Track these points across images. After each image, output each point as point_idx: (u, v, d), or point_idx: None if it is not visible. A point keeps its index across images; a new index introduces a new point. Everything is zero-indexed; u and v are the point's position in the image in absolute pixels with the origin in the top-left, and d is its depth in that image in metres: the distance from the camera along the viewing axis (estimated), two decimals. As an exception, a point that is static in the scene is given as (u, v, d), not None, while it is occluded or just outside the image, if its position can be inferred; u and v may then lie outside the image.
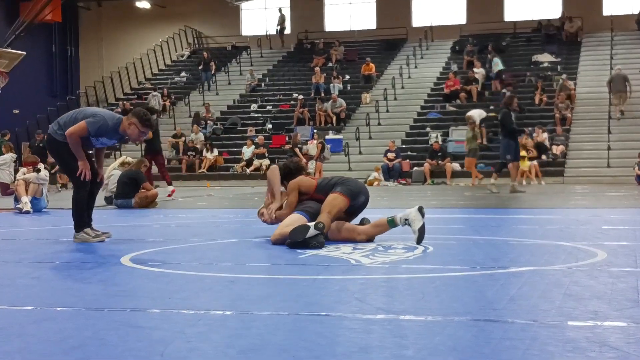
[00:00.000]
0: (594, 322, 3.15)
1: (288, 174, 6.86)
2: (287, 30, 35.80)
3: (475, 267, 4.83)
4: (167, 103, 30.57)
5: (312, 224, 5.95)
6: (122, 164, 13.03)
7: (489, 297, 3.73)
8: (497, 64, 28.08)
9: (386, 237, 6.72)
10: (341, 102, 27.80)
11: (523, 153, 22.27)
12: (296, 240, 5.89)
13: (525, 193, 15.50)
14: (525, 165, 22.43)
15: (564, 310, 3.40)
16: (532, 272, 4.58)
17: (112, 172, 12.72)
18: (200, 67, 32.68)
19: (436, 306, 3.55)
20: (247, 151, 25.67)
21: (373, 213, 6.88)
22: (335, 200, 6.35)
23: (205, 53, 32.70)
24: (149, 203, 12.38)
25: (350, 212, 6.51)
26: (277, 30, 35.49)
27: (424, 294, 3.84)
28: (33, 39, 32.58)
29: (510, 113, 15.34)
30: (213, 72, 32.42)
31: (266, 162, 24.94)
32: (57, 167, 24.70)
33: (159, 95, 30.76)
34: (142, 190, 12.38)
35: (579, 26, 31.37)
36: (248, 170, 25.00)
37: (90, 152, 7.07)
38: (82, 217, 6.77)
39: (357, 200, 6.47)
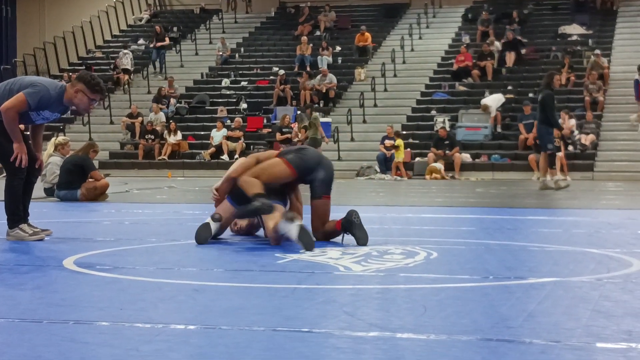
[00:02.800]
0: (627, 343, 3.16)
1: None
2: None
3: (487, 277, 4.85)
4: (122, 77, 30.50)
5: (211, 220, 6.40)
6: (57, 147, 12.91)
7: (503, 313, 3.74)
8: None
9: (382, 240, 6.73)
10: (331, 77, 27.81)
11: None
12: (202, 242, 6.34)
13: (556, 190, 15.55)
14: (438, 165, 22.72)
15: (593, 329, 3.41)
16: (554, 283, 4.60)
17: (49, 159, 12.59)
18: (152, 45, 31.98)
19: (440, 323, 3.55)
20: (217, 135, 25.64)
21: (364, 212, 6.88)
22: (273, 168, 6.47)
23: (157, 27, 32.17)
24: (98, 195, 12.34)
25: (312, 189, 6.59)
26: None
27: (426, 308, 3.85)
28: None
29: (553, 95, 15.39)
30: (164, 44, 31.39)
31: (240, 146, 24.89)
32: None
33: (131, 54, 30.74)
34: (90, 180, 12.35)
35: (615, -7, 31.50)
36: (227, 158, 24.92)
37: (27, 132, 7.02)
38: (16, 211, 6.73)
39: (310, 175, 6.53)
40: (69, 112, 6.81)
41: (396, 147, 23.07)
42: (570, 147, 23.35)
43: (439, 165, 22.85)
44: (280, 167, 6.49)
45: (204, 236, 6.38)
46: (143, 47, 33.36)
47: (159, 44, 31.21)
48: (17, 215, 6.74)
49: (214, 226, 6.42)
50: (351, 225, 6.40)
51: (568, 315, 3.70)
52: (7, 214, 6.76)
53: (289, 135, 24.38)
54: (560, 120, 23.39)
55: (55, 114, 6.80)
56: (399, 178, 22.68)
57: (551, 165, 15.76)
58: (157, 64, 31.36)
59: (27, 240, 6.66)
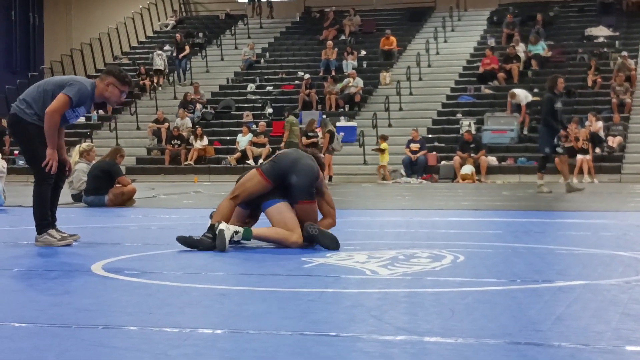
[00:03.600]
0: (657, 347, 3.13)
1: None
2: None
3: (514, 281, 4.82)
4: (147, 82, 30.66)
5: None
6: (82, 153, 12.98)
7: (532, 317, 3.72)
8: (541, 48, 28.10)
9: (409, 243, 6.71)
10: (359, 81, 27.80)
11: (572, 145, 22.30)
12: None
13: (583, 190, 15.47)
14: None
15: (622, 332, 3.39)
16: (583, 287, 4.57)
17: (75, 166, 12.62)
18: (173, 54, 31.88)
19: (468, 326, 3.54)
20: (243, 140, 25.69)
21: (390, 216, 6.87)
22: (249, 182, 6.55)
23: (178, 35, 32.20)
24: (126, 200, 12.39)
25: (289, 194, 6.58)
26: None
27: (454, 312, 3.84)
28: (-11, 4, 32.64)
29: (553, 98, 15.12)
30: (185, 53, 31.30)
31: (266, 151, 24.88)
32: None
33: (164, 54, 30.92)
34: (117, 186, 12.40)
35: (642, -6, 31.29)
36: (253, 163, 24.94)
37: None
38: (45, 216, 6.79)
39: (286, 181, 6.51)
40: (95, 108, 7.12)
41: (381, 151, 23.10)
42: (598, 150, 23.21)
43: (471, 168, 22.79)
44: (255, 179, 6.53)
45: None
46: (169, 53, 33.49)
47: (181, 55, 31.22)
48: (46, 220, 6.79)
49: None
50: (314, 238, 6.39)
51: (597, 319, 3.68)
52: (36, 219, 6.80)
53: (315, 140, 24.26)
54: (587, 123, 23.33)
55: (84, 111, 6.98)
56: (424, 181, 22.64)
57: (540, 169, 15.67)
58: (180, 73, 31.37)
59: (55, 246, 6.69)
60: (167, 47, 33.72)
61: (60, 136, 7.07)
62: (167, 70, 31.26)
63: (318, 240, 6.35)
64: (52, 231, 6.80)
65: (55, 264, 5.81)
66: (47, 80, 6.98)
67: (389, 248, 6.39)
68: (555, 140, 15.03)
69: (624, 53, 27.05)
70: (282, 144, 23.06)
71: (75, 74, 32.31)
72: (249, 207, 6.74)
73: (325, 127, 23.98)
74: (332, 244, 6.33)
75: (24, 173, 25.10)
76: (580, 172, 22.26)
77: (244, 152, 25.36)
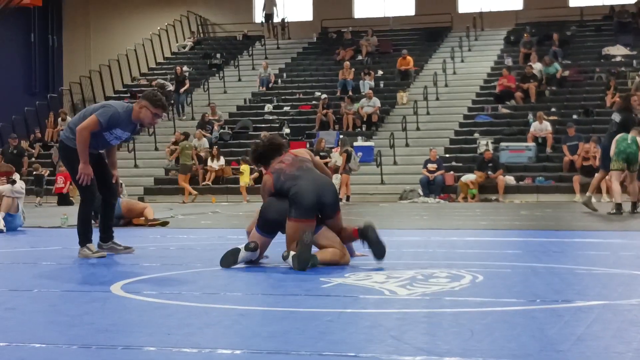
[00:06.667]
0: (679, 367, 3.11)
1: (260, 157, 7.17)
2: (290, 17, 35.99)
3: (534, 301, 4.80)
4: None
5: (242, 246, 6.54)
6: None
7: (552, 337, 3.71)
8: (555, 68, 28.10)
9: (427, 263, 6.70)
10: (375, 101, 27.83)
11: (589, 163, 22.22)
12: (227, 266, 6.50)
13: (597, 211, 15.46)
14: None
15: (643, 353, 3.37)
16: (603, 307, 4.54)
17: None
18: (172, 88, 30.07)
19: (487, 347, 3.52)
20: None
21: (408, 235, 6.87)
22: (295, 234, 6.48)
23: (178, 68, 31.57)
24: (137, 216, 12.57)
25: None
26: (262, 18, 35.63)
27: (473, 332, 3.83)
28: (8, 26, 32.91)
29: (634, 118, 15.66)
30: (186, 87, 30.60)
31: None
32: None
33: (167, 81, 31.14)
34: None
35: (659, 13, 31.23)
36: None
37: (101, 150, 7.66)
38: (85, 232, 7.43)
39: (318, 211, 6.65)
40: (138, 129, 7.50)
41: (241, 172, 23.48)
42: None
43: (471, 177, 22.76)
44: (300, 229, 6.48)
45: (229, 262, 6.53)
46: (187, 74, 33.56)
47: (182, 89, 30.47)
48: (85, 236, 7.43)
49: (243, 254, 6.53)
50: (373, 243, 6.66)
51: (618, 339, 3.65)
52: (78, 234, 7.46)
53: (328, 160, 24.19)
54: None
55: (126, 133, 7.43)
56: (441, 201, 22.59)
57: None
58: (179, 107, 30.52)
59: (90, 257, 7.29)
60: (185, 69, 33.31)
61: (112, 155, 7.71)
62: (172, 89, 31.10)
63: (377, 246, 6.65)
64: (90, 245, 7.44)
65: (75, 285, 5.83)
66: (90, 106, 7.57)
67: (407, 268, 6.39)
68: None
69: (642, 72, 26.98)
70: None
71: (94, 96, 32.63)
72: (274, 234, 6.75)
73: (342, 147, 24.00)
74: (381, 257, 6.66)
75: (29, 194, 25.27)
76: (599, 191, 22.14)
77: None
